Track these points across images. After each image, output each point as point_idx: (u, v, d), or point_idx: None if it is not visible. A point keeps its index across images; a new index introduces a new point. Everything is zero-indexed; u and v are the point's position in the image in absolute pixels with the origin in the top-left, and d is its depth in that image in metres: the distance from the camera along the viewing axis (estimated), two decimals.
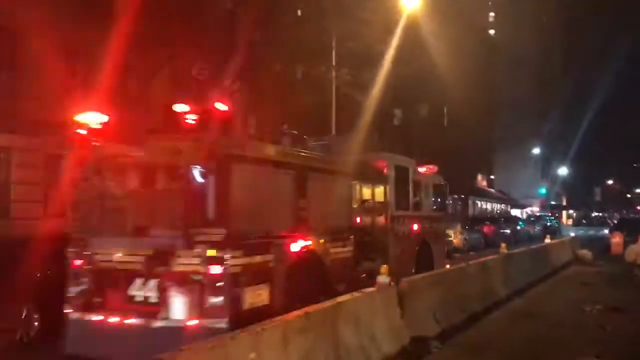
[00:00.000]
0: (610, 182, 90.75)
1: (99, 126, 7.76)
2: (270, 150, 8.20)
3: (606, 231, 35.08)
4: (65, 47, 14.85)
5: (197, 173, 6.91)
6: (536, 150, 66.48)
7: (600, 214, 78.49)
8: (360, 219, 10.68)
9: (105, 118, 7.78)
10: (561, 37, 78.34)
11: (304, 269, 8.11)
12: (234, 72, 21.18)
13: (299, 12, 22.35)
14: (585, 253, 23.45)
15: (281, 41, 19.64)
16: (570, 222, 75.54)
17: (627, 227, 28.60)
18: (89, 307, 7.42)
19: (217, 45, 19.67)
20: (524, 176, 65.37)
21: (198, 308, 6.74)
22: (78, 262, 7.56)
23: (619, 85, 72.74)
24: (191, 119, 7.36)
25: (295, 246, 8.11)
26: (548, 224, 47.58)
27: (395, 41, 23.41)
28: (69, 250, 7.67)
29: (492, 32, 66.92)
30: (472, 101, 43.98)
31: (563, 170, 73.07)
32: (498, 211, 60.07)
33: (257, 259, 7.27)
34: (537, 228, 44.14)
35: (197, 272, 6.76)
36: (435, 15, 28.97)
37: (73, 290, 7.53)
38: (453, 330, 9.32)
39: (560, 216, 69.72)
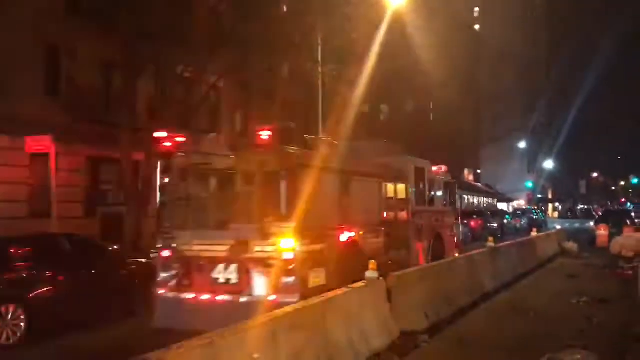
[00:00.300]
0: (595, 174, 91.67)
1: (182, 139, 9.40)
2: (325, 160, 9.58)
3: (591, 223, 35.39)
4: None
5: (272, 178, 8.70)
6: (522, 144, 66.91)
7: (586, 207, 79.23)
8: (387, 214, 12.01)
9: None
10: (546, 31, 78.93)
11: (349, 255, 9.55)
12: (219, 69, 21.10)
13: (285, 8, 22.28)
14: (571, 245, 23.67)
15: (267, 37, 19.56)
16: (556, 215, 76.29)
17: (612, 219, 28.95)
18: (177, 289, 8.92)
19: (205, 42, 19.56)
20: (511, 170, 65.80)
21: (275, 286, 8.23)
22: (166, 252, 9.10)
23: (603, 78, 73.33)
24: (265, 135, 8.78)
25: (343, 237, 9.68)
26: (534, 217, 47.94)
27: (380, 37, 23.43)
28: (158, 243, 9.25)
29: (477, 27, 67.23)
30: (458, 96, 44.19)
31: (549, 164, 73.64)
32: (485, 205, 60.47)
33: (317, 247, 8.82)
34: (524, 221, 44.47)
35: (272, 258, 8.27)
36: (420, 11, 29.04)
37: (163, 275, 9.08)
38: (442, 324, 9.37)
39: (546, 209, 70.35)
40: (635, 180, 76.03)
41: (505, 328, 9.50)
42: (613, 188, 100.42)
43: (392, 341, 7.96)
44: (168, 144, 9.35)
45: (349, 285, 7.85)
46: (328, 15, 19.31)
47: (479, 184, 62.09)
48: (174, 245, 9.04)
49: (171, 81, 21.69)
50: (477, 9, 70.80)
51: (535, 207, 57.98)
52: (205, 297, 8.65)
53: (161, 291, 9.06)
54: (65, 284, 9.73)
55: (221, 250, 8.67)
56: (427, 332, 8.70)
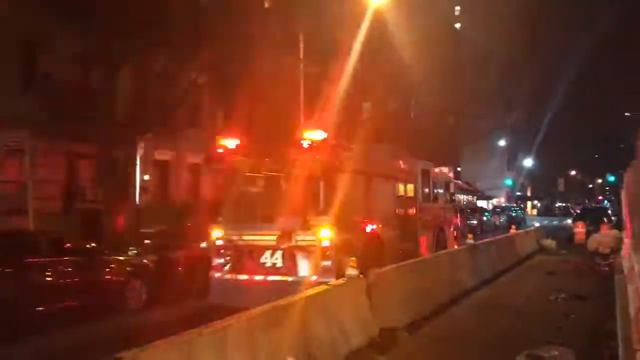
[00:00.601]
0: (573, 172, 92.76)
1: (233, 147, 10.90)
2: (353, 163, 10.97)
3: (569, 221, 35.82)
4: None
5: (313, 180, 10.27)
6: (502, 142, 67.47)
7: (564, 204, 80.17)
8: (399, 210, 13.44)
9: (237, 141, 10.94)
10: (526, 31, 79.59)
11: (372, 245, 11.09)
12: (200, 65, 20.92)
13: (266, 4, 22.18)
14: (550, 242, 23.94)
15: (249, 33, 19.44)
16: (535, 212, 77.11)
17: (589, 217, 29.32)
18: (230, 272, 10.62)
19: (184, 38, 19.37)
20: (490, 168, 66.32)
21: (315, 269, 9.90)
22: (220, 242, 10.72)
23: (581, 77, 74.11)
24: (305, 142, 10.17)
25: (368, 229, 11.21)
26: (513, 214, 48.38)
27: (362, 34, 23.42)
28: (214, 233, 10.85)
29: (458, 25, 67.55)
30: (439, 94, 44.39)
31: (528, 162, 74.36)
32: (465, 202, 60.83)
33: (349, 237, 10.31)
34: (503, 219, 44.85)
35: (313, 245, 9.95)
36: (402, 9, 29.06)
37: (217, 261, 10.81)
38: (421, 321, 9.40)
39: (525, 207, 71.03)
40: (612, 178, 76.96)
41: (485, 324, 9.56)
42: (590, 186, 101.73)
43: (371, 338, 7.95)
44: (221, 150, 11.07)
45: (328, 283, 7.84)
46: (310, 12, 19.27)
47: (459, 182, 62.50)
48: (227, 236, 10.72)
49: (150, 77, 21.48)
50: (458, 7, 71.17)
51: (515, 205, 58.52)
52: (258, 277, 10.29)
53: (217, 274, 10.77)
54: None
55: (269, 239, 10.29)
56: (407, 329, 8.72)
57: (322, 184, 10.41)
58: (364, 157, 12.07)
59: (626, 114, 50.03)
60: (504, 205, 57.57)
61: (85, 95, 19.85)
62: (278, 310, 6.22)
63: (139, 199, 23.62)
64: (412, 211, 14.08)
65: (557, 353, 6.86)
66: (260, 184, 11.79)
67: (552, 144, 73.60)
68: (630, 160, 12.75)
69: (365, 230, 11.15)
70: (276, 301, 6.54)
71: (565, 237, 27.25)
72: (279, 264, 10.31)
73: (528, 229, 26.97)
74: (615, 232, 22.91)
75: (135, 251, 13.28)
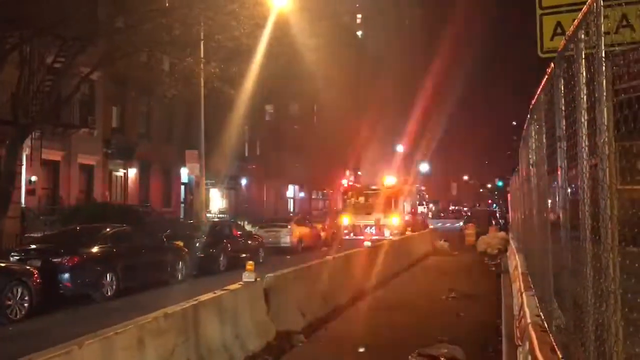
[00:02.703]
0: (465, 177, 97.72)
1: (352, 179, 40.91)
2: (402, 191, 31.42)
3: (461, 223, 37.61)
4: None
5: (390, 197, 31.32)
6: (400, 147, 69.72)
7: (456, 207, 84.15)
8: (414, 216, 33.22)
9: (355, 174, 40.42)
10: (421, 40, 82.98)
11: (416, 223, 33.09)
12: (94, 60, 19.90)
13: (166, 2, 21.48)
14: (443, 244, 24.98)
15: (146, 30, 18.73)
16: (429, 215, 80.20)
17: (479, 220, 30.95)
18: (352, 234, 30.20)
19: (77, 31, 18.35)
20: (389, 172, 68.32)
21: (391, 233, 26.71)
22: (347, 222, 31.22)
23: (471, 87, 78.39)
24: (386, 182, 33.79)
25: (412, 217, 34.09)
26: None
27: (265, 36, 23.32)
28: (344, 220, 31.61)
29: (359, 33, 69.15)
30: (340, 99, 45.16)
31: (424, 167, 77.40)
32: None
33: (405, 221, 31.49)
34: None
35: (389, 224, 29.96)
36: (304, 14, 29.27)
37: (346, 231, 30.51)
38: (318, 323, 9.43)
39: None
40: (500, 183, 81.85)
41: (380, 324, 9.74)
42: (481, 190, 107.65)
43: (268, 342, 7.86)
44: (345, 181, 39.71)
45: (224, 287, 7.66)
46: (211, 11, 18.87)
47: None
48: (350, 220, 30.70)
49: (39, 71, 20.19)
50: (359, 15, 72.85)
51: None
52: (364, 237, 24.15)
53: (346, 237, 27.95)
54: None
55: (369, 222, 30.08)
56: (304, 332, 8.70)
57: (392, 200, 30.11)
58: (405, 188, 30.62)
59: (513, 122, 53.33)
60: None
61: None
62: (169, 317, 5.96)
63: (25, 202, 22.13)
64: (416, 219, 33.50)
65: (446, 351, 7.10)
66: (363, 198, 30.80)
67: (446, 150, 77.13)
68: (516, 166, 13.54)
69: (414, 216, 32.08)
70: (169, 307, 6.28)
71: (457, 239, 28.54)
72: (374, 231, 28.39)
73: (423, 231, 27.99)
74: (502, 234, 24.36)
75: (18, 257, 12.37)
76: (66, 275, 11.95)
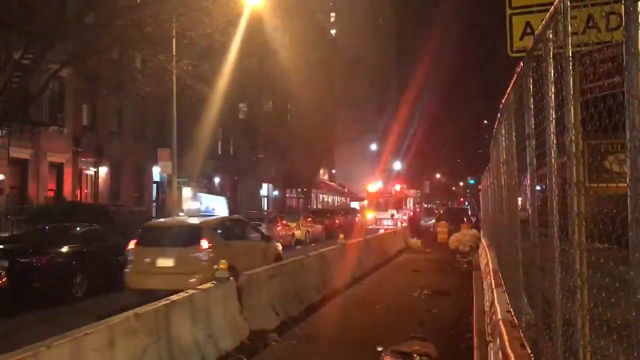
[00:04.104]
0: (438, 175, 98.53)
1: (375, 189, 41.41)
2: (406, 194, 42.01)
3: (434, 221, 37.94)
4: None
5: (399, 198, 40.07)
6: (373, 146, 70.07)
7: (429, 205, 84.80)
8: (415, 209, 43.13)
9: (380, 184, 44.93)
10: (394, 39, 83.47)
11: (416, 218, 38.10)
12: (63, 56, 19.57)
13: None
14: (415, 241, 25.17)
15: (117, 26, 18.48)
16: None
17: (451, 217, 31.23)
18: (373, 225, 35.61)
19: (45, 28, 18.02)
20: (363, 170, 68.65)
21: (401, 224, 34.87)
22: (371, 217, 37.82)
23: (444, 86, 79.14)
24: (394, 189, 42.02)
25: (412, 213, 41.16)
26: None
27: (238, 34, 23.20)
28: (369, 214, 38.89)
29: (333, 32, 69.23)
30: (314, 98, 45.16)
31: (397, 165, 77.91)
32: (338, 203, 62.43)
33: (410, 216, 38.47)
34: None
35: (399, 217, 37.37)
36: (278, 12, 29.20)
37: (368, 222, 36.72)
38: (292, 322, 9.43)
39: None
40: (472, 181, 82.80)
41: (353, 322, 9.78)
42: (453, 188, 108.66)
43: (241, 341, 7.83)
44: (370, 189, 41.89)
45: (197, 287, 7.60)
46: (183, 7, 18.70)
47: (334, 183, 64.08)
48: (373, 215, 37.50)
49: (7, 67, 19.77)
50: (333, 14, 72.94)
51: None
52: (382, 227, 33.82)
53: (370, 226, 34.08)
54: None
55: (386, 216, 36.61)
56: (277, 330, 8.69)
57: (401, 201, 39.42)
58: (409, 193, 42.81)
59: (484, 121, 53.96)
60: None
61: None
62: (140, 317, 5.89)
63: None
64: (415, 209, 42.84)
65: (418, 347, 7.15)
66: (382, 200, 38.69)
67: (419, 148, 77.69)
68: (488, 164, 13.70)
69: (414, 213, 39.70)
70: (139, 307, 6.21)
71: (430, 236, 28.79)
72: (390, 223, 35.34)
73: (396, 229, 28.17)
74: (474, 231, 24.63)
75: None
76: (35, 276, 11.72)
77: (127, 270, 11.25)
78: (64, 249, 12.57)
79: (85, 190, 27.71)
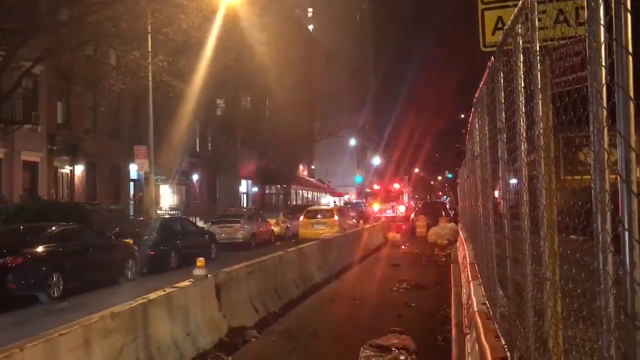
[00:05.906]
0: (416, 170, 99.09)
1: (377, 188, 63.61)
2: (403, 190, 67.16)
3: (413, 215, 38.17)
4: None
5: (398, 194, 63.34)
6: (352, 141, 70.21)
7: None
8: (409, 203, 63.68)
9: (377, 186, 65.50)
10: (371, 35, 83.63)
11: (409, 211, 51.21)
12: (36, 53, 19.25)
13: None
14: (394, 235, 25.29)
15: (91, 22, 18.23)
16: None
17: (429, 211, 31.46)
18: (379, 214, 48.43)
19: (17, 24, 17.70)
20: (342, 165, 68.80)
21: (400, 212, 52.31)
22: (377, 207, 52.99)
23: (422, 80, 79.58)
24: (394, 187, 65.16)
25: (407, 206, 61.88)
26: (363, 210, 50.52)
27: (214, 30, 23.02)
28: (375, 206, 54.37)
29: (311, 27, 69.13)
30: (293, 93, 45.06)
31: (376, 160, 78.26)
32: (318, 199, 62.50)
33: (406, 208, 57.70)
34: (353, 214, 46.57)
35: (399, 208, 56.55)
36: (254, 8, 29.05)
37: (375, 213, 48.61)
38: (271, 318, 9.42)
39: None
40: (450, 175, 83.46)
41: (332, 317, 9.82)
42: (432, 182, 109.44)
43: (220, 338, 7.80)
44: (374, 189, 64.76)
45: (174, 285, 7.56)
46: (158, 3, 18.51)
47: (313, 179, 64.09)
48: (378, 206, 52.82)
49: None
50: (310, 9, 72.83)
51: (364, 201, 61.20)
52: (385, 215, 46.93)
53: (377, 215, 45.34)
54: None
55: (388, 207, 53.16)
56: (257, 327, 8.68)
57: (399, 195, 61.88)
58: (406, 190, 68.24)
59: (461, 115, 54.41)
60: (354, 201, 59.97)
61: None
62: (117, 316, 5.84)
63: None
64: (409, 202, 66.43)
65: (397, 341, 7.19)
66: (384, 196, 57.97)
67: (397, 143, 78.11)
68: (464, 158, 13.82)
69: (410, 206, 57.50)
70: (116, 306, 6.16)
71: (409, 230, 28.97)
72: (391, 211, 50.84)
73: (375, 224, 28.27)
74: (452, 225, 24.84)
75: None
76: (10, 276, 11.52)
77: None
78: (40, 249, 12.39)
79: (61, 189, 27.34)
